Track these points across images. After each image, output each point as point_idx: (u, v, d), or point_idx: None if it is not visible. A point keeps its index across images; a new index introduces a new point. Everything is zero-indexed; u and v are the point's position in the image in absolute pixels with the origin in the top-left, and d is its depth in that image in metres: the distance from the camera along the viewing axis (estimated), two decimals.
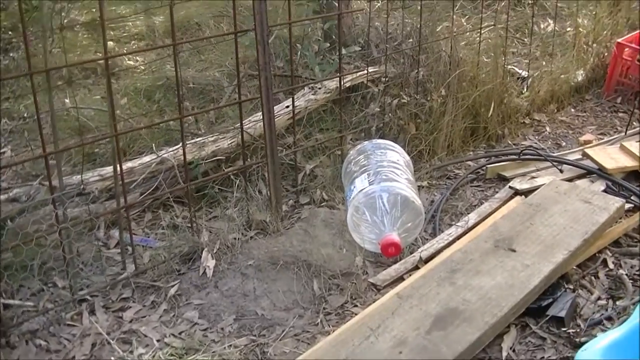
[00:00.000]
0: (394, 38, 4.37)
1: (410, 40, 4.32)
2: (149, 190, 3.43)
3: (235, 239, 3.11)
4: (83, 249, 3.09)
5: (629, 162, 3.82)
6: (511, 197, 3.58)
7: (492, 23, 4.83)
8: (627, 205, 3.43)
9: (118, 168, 2.90)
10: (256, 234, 3.21)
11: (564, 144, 4.37)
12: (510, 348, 2.62)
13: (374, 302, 2.80)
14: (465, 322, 2.52)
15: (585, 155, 3.91)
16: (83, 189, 3.21)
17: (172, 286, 2.94)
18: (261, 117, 3.38)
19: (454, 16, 4.34)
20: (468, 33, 4.74)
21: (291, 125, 3.69)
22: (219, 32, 5.48)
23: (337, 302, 2.87)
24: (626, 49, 4.91)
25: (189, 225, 3.20)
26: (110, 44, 5.68)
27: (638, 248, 3.22)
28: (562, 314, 2.72)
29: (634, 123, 4.48)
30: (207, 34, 5.46)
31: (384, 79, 4.09)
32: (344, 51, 4.18)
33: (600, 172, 3.78)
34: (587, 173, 3.83)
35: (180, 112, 3.09)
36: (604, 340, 2.06)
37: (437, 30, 4.41)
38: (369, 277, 3.00)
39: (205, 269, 2.97)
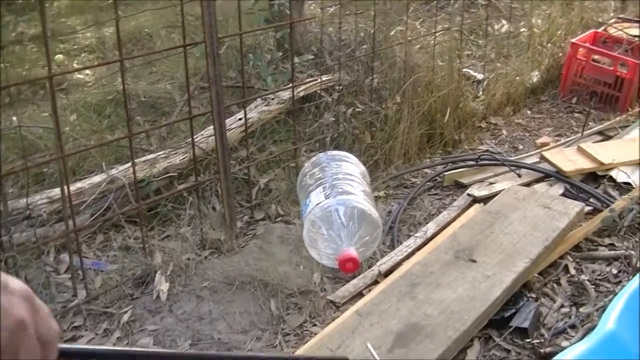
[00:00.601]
0: (347, 45, 4.31)
1: (364, 46, 4.27)
2: (100, 211, 3.33)
3: (189, 259, 3.03)
4: (31, 275, 2.99)
5: (586, 164, 3.79)
6: (470, 205, 3.53)
7: (447, 26, 4.79)
8: (586, 208, 3.40)
9: (66, 190, 2.80)
10: (210, 254, 3.13)
11: (521, 147, 4.34)
12: None
13: (333, 320, 2.74)
14: (428, 338, 2.46)
15: (543, 159, 3.87)
16: (29, 214, 3.11)
17: (125, 312, 2.85)
18: (211, 131, 3.31)
19: (408, 20, 4.29)
20: (422, 37, 4.69)
21: (244, 139, 3.62)
22: (170, 42, 5.40)
23: (295, 322, 2.80)
24: (581, 49, 4.90)
25: (142, 246, 3.11)
26: (59, 57, 5.57)
27: (599, 252, 3.19)
28: (526, 324, 2.67)
29: (590, 123, 4.46)
30: (159, 44, 5.38)
31: (337, 87, 4.04)
32: (297, 60, 4.11)
33: (558, 175, 3.75)
34: (545, 176, 3.80)
35: (130, 131, 2.99)
36: (571, 353, 2.00)
37: (391, 35, 4.35)
38: (328, 294, 2.93)
39: (159, 293, 2.89)
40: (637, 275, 2.34)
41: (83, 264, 2.96)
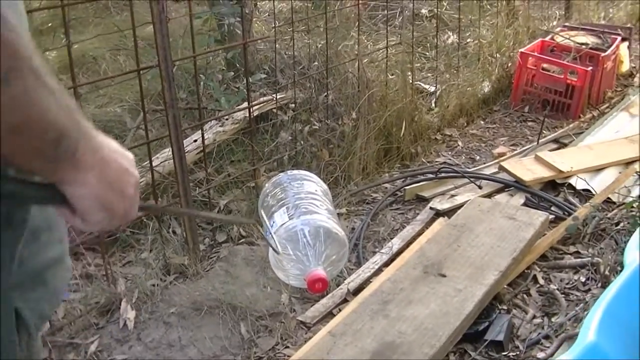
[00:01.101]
0: (298, 62, 4.27)
1: (315, 63, 4.24)
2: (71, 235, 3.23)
3: (154, 285, 2.95)
4: None
5: (545, 173, 3.80)
6: (433, 218, 3.51)
7: (395, 40, 4.78)
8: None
9: None
10: (175, 279, 3.05)
11: (477, 157, 4.34)
12: None
13: (305, 341, 2.68)
14: (404, 356, 2.42)
15: (502, 169, 3.88)
16: None
17: (92, 342, 2.75)
18: (169, 153, 3.24)
19: (356, 35, 4.27)
20: (372, 51, 4.68)
21: (200, 160, 3.56)
22: (116, 65, 5.30)
23: (267, 345, 2.74)
24: (530, 58, 4.93)
25: (104, 273, 3.02)
26: None
27: (565, 260, 3.19)
28: (501, 337, 2.65)
29: (544, 132, 4.48)
30: (104, 67, 5.27)
31: (292, 105, 4.00)
32: (250, 79, 4.06)
33: (518, 185, 3.75)
34: (506, 187, 3.79)
35: None
36: None
37: (340, 50, 4.32)
38: (298, 315, 2.88)
39: (125, 321, 2.80)
40: (613, 284, 2.33)
41: None
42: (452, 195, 3.71)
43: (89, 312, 2.87)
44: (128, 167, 1.14)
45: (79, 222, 1.12)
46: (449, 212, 3.52)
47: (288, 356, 2.63)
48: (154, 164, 3.24)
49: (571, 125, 4.63)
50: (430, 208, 3.59)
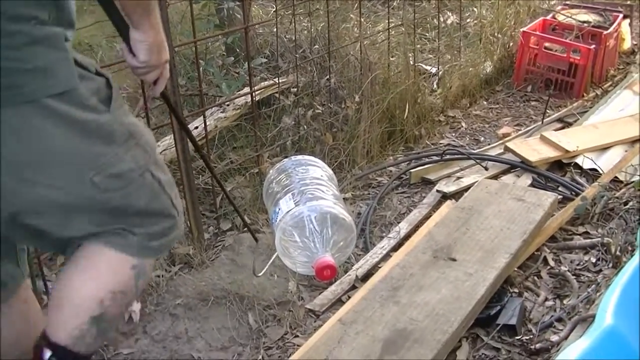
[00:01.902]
0: (299, 45, 4.21)
1: (316, 46, 4.18)
2: None
3: (159, 276, 2.91)
4: None
5: (551, 153, 3.76)
6: (440, 201, 3.47)
7: (397, 21, 4.72)
8: None
9: None
10: (180, 269, 3.01)
11: (482, 138, 4.29)
12: None
13: (315, 330, 2.64)
14: (417, 343, 2.38)
15: (507, 149, 3.83)
16: None
17: None
18: (170, 141, 3.20)
19: (355, 17, 4.21)
20: (371, 34, 4.62)
21: (202, 147, 3.50)
22: (113, 52, 5.24)
23: (276, 335, 2.70)
24: (532, 37, 4.88)
25: None
26: None
27: (574, 241, 3.15)
28: (513, 321, 2.60)
29: (548, 111, 4.43)
30: (100, 55, 5.21)
31: (294, 89, 3.94)
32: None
33: (524, 166, 3.71)
34: (512, 167, 3.75)
35: None
36: (573, 352, 1.94)
37: (340, 32, 4.27)
38: (306, 303, 2.84)
39: (130, 314, 2.75)
40: (627, 265, 2.29)
41: (47, 287, 2.82)
42: (458, 178, 3.67)
43: None
44: (167, 47, 1.89)
45: (130, 58, 1.85)
46: (456, 195, 3.47)
47: (298, 345, 2.59)
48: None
49: (575, 104, 4.58)
50: (437, 191, 3.55)
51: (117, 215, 1.81)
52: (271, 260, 2.79)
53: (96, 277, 1.86)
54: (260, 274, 2.74)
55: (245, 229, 3.30)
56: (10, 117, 1.57)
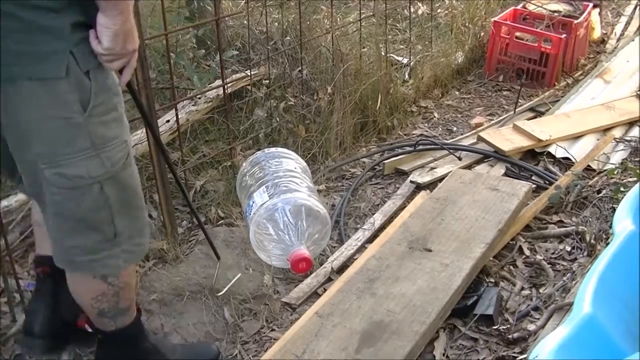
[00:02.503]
0: (270, 37, 4.19)
1: (288, 38, 4.16)
2: (30, 229, 3.13)
3: None
4: None
5: (524, 142, 3.76)
6: (414, 192, 3.46)
7: (368, 12, 4.71)
8: None
9: None
10: (154, 264, 2.98)
11: (455, 129, 4.28)
12: (443, 354, 2.49)
13: (291, 323, 2.63)
14: (394, 335, 2.38)
15: (480, 139, 3.83)
16: None
17: None
18: (141, 135, 3.16)
19: (326, 8, 4.19)
20: (343, 25, 4.60)
21: (174, 140, 3.48)
22: None
23: (252, 329, 2.68)
24: (503, 27, 4.88)
25: None
26: None
27: (549, 230, 3.16)
28: (490, 311, 2.61)
29: (520, 100, 4.44)
30: None
31: (266, 81, 3.92)
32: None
33: (497, 155, 3.71)
34: (485, 157, 3.75)
35: None
36: (552, 341, 1.93)
37: (311, 23, 4.25)
38: (282, 297, 2.82)
39: None
40: (603, 253, 2.29)
41: (20, 285, 2.78)
42: (432, 168, 3.67)
43: None
44: (136, 37, 1.86)
45: (95, 44, 1.78)
46: (430, 186, 3.47)
47: (275, 339, 2.58)
48: None
49: (547, 94, 4.59)
50: (411, 182, 3.54)
51: (56, 210, 1.94)
52: (232, 282, 2.80)
53: (75, 294, 2.16)
54: (220, 294, 2.74)
55: (220, 222, 3.28)
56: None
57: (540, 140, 3.74)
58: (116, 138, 1.90)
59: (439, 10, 5.44)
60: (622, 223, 2.39)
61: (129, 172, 2.00)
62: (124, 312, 2.19)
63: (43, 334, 2.42)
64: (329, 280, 2.89)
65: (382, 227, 3.21)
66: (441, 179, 3.45)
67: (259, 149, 3.52)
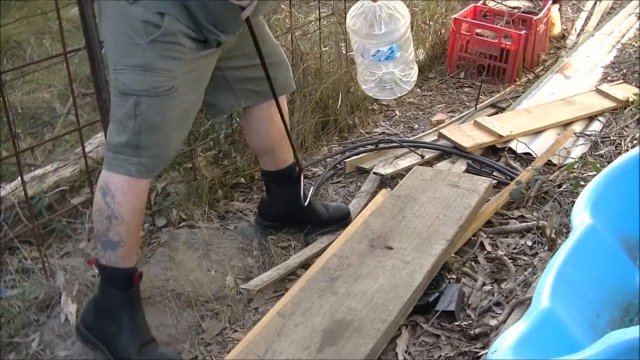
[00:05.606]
0: None
1: None
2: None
3: (94, 276, 2.83)
4: None
5: (485, 138, 3.78)
6: (379, 187, 3.47)
7: (328, 11, 4.70)
8: None
9: None
10: None
11: (416, 126, 4.29)
12: (406, 351, 2.50)
13: (254, 324, 2.62)
14: (356, 333, 2.38)
15: (441, 136, 3.84)
16: None
17: (33, 340, 2.64)
18: (102, 138, 3.14)
19: (286, 7, 4.18)
20: (302, 24, 4.59)
21: None
22: (42, 49, 5.15)
23: (215, 330, 2.67)
24: (463, 24, 4.90)
25: (41, 267, 2.91)
26: None
27: (510, 225, 3.18)
28: (452, 307, 2.62)
29: (481, 97, 4.46)
30: (29, 52, 5.12)
31: None
32: None
33: (458, 152, 3.72)
34: (446, 154, 3.76)
35: (15, 148, 2.77)
36: (510, 336, 1.95)
37: (272, 23, 4.23)
38: (244, 297, 2.81)
39: (67, 315, 2.69)
40: (562, 247, 2.31)
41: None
42: (396, 158, 3.69)
43: (28, 308, 2.75)
44: None
45: None
46: (393, 180, 3.48)
47: (237, 340, 2.57)
48: (86, 149, 3.13)
49: (508, 90, 4.61)
50: (374, 173, 3.53)
51: (112, 110, 2.39)
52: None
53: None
54: None
55: (182, 224, 3.26)
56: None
57: (501, 136, 3.76)
58: (166, 70, 2.25)
59: None
60: (579, 217, 2.42)
61: (167, 104, 2.31)
62: (113, 246, 2.41)
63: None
64: (291, 274, 2.90)
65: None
66: (405, 170, 3.47)
67: (219, 151, 3.51)
